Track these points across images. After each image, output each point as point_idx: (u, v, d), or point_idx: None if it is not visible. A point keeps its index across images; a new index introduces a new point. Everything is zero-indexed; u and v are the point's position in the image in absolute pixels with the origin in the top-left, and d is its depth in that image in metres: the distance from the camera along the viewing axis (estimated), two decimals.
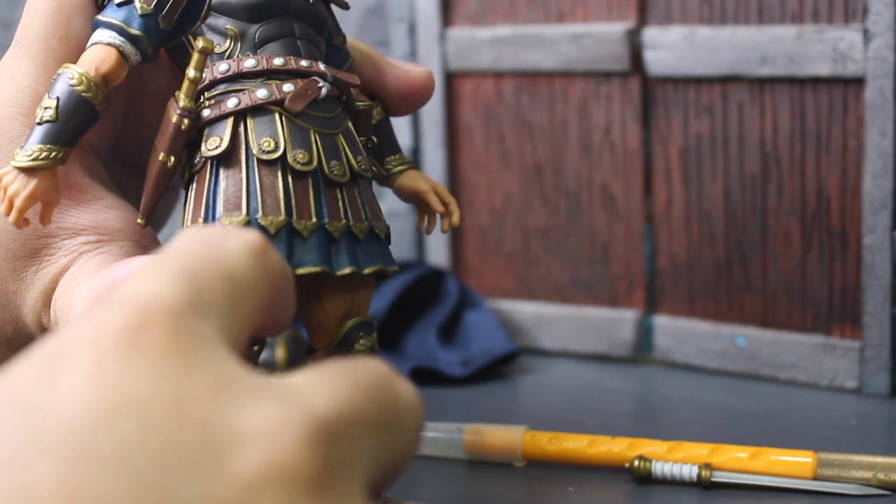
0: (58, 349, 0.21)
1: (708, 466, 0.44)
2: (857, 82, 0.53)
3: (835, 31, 0.53)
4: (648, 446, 0.46)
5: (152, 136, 0.38)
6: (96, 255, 0.37)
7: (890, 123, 0.52)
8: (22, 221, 0.36)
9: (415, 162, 0.66)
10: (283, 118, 0.36)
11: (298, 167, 0.36)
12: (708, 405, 0.55)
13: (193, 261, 0.24)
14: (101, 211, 0.38)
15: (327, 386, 0.23)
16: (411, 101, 0.43)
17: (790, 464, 0.44)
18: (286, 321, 0.27)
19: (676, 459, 0.45)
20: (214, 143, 0.36)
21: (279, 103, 0.36)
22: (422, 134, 0.67)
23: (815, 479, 0.44)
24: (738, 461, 0.45)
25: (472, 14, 0.64)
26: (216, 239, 0.25)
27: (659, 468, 0.45)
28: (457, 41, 0.64)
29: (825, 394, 0.56)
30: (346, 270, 0.36)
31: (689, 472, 0.44)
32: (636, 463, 0.45)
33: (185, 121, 0.36)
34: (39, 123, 0.36)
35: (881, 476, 0.43)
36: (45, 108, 0.36)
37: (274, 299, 0.26)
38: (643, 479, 0.45)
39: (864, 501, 0.43)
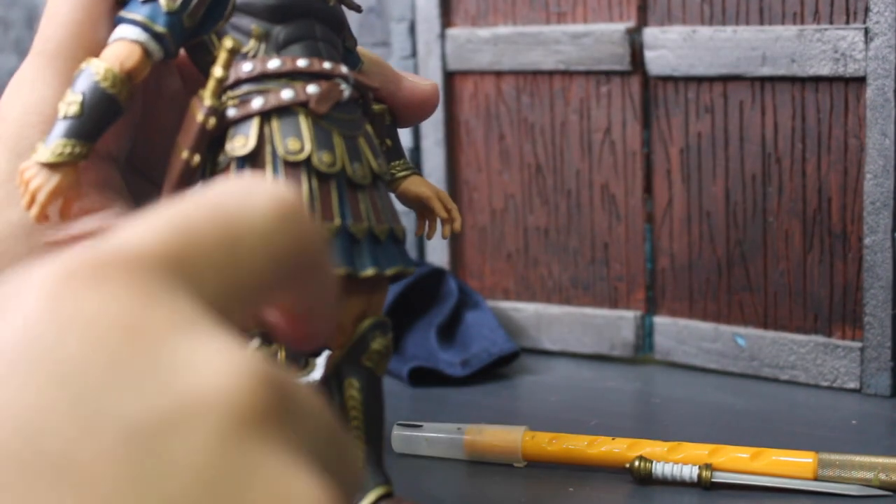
0: (19, 282, 0.21)
1: (708, 467, 0.44)
2: (858, 82, 0.53)
3: (836, 31, 0.53)
4: (649, 447, 0.46)
5: (165, 140, 0.37)
6: None
7: (891, 123, 0.52)
8: (42, 217, 0.36)
9: (415, 162, 0.66)
10: (308, 119, 0.36)
11: (323, 169, 0.36)
12: (708, 405, 0.55)
13: (196, 217, 0.23)
14: (111, 219, 0.38)
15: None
16: (419, 111, 0.43)
17: (791, 464, 0.44)
18: (322, 295, 0.25)
19: (677, 460, 0.45)
20: (240, 143, 0.36)
21: (304, 104, 0.36)
22: (422, 133, 0.67)
23: (816, 479, 0.44)
24: (739, 462, 0.44)
25: (472, 14, 0.64)
26: (238, 194, 0.23)
27: (659, 469, 0.45)
28: (457, 41, 0.64)
29: (826, 394, 0.56)
30: (370, 272, 0.36)
31: (690, 472, 0.44)
32: (636, 463, 0.45)
33: (212, 120, 0.36)
34: (63, 118, 0.35)
35: (882, 477, 0.43)
36: (70, 103, 0.35)
37: (300, 267, 0.24)
38: (643, 479, 0.45)
39: (864, 502, 0.43)
